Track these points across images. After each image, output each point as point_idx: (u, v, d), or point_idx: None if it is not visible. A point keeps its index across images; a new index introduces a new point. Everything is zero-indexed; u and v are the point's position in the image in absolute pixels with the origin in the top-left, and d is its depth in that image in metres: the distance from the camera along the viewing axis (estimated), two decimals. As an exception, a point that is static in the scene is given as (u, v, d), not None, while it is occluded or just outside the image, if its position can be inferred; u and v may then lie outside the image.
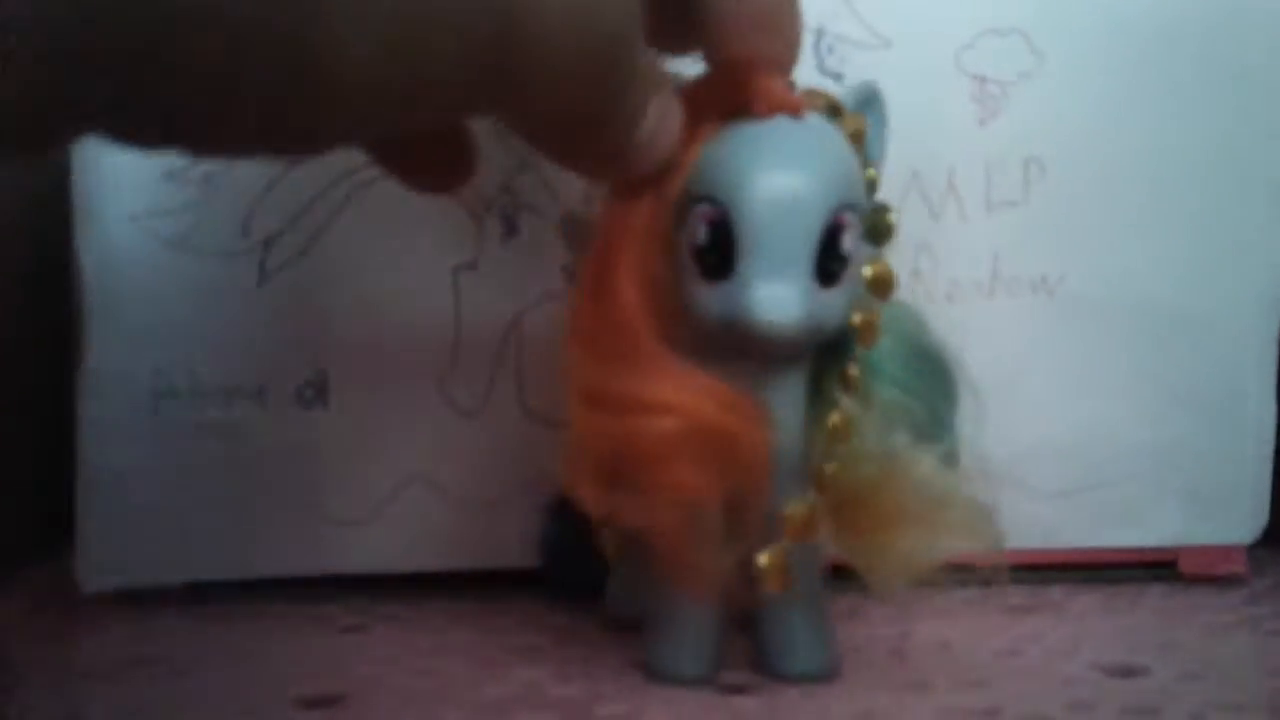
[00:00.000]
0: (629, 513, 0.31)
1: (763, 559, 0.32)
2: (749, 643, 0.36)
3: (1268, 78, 0.44)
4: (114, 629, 0.41)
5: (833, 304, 0.31)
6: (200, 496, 0.43)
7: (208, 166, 0.42)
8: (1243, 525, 0.45)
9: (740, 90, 0.31)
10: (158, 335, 0.42)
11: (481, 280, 0.43)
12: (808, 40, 0.43)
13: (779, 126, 0.31)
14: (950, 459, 0.33)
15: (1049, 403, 0.44)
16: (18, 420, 0.42)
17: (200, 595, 0.43)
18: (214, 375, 0.42)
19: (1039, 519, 0.44)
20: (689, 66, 0.32)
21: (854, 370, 0.33)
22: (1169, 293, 0.44)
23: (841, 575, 0.35)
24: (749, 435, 0.31)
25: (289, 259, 0.42)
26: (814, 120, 0.32)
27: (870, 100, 0.34)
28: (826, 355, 0.33)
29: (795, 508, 0.32)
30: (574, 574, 0.41)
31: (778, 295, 0.30)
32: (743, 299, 0.30)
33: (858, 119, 0.33)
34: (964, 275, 0.44)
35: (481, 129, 0.42)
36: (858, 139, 0.33)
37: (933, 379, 0.34)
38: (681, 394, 0.30)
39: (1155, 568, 0.45)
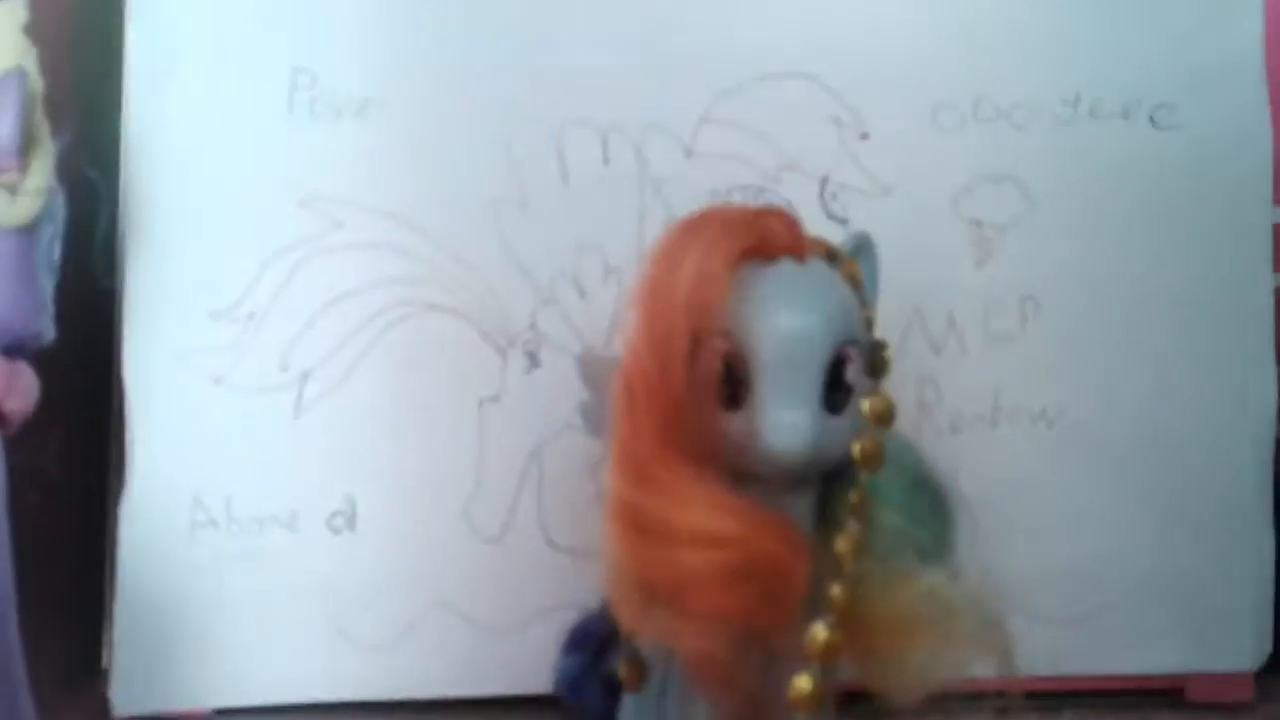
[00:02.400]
0: (665, 632, 0.32)
1: (802, 683, 0.33)
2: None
3: (1251, 212, 0.46)
4: (144, 753, 0.42)
5: (838, 431, 0.33)
6: (230, 624, 0.44)
7: (252, 305, 0.44)
8: (1248, 652, 0.46)
9: (750, 236, 0.34)
10: (197, 466, 0.44)
11: (505, 412, 0.45)
12: (814, 187, 0.46)
13: (784, 269, 0.34)
14: (955, 576, 0.34)
15: (1052, 531, 0.45)
16: (56, 547, 0.44)
17: (229, 720, 0.44)
18: (248, 504, 0.44)
19: (1046, 645, 0.44)
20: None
21: (858, 497, 0.34)
22: (1165, 423, 0.46)
23: (855, 700, 0.36)
24: (787, 562, 0.32)
25: (323, 393, 0.45)
26: (815, 264, 0.35)
27: (864, 247, 0.37)
28: (832, 483, 0.35)
29: (818, 630, 0.34)
30: (588, 702, 0.42)
31: (789, 422, 0.32)
32: (756, 426, 0.32)
33: (853, 264, 0.36)
34: (966, 407, 0.46)
35: (507, 267, 0.45)
36: (855, 282, 0.35)
37: (933, 505, 0.36)
38: (723, 522, 0.32)
39: (1163, 695, 0.46)
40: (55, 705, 0.42)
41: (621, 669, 0.38)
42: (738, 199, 0.45)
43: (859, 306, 0.35)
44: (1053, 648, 0.45)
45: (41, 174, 0.35)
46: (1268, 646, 0.46)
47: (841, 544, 0.34)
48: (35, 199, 0.35)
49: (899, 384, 0.37)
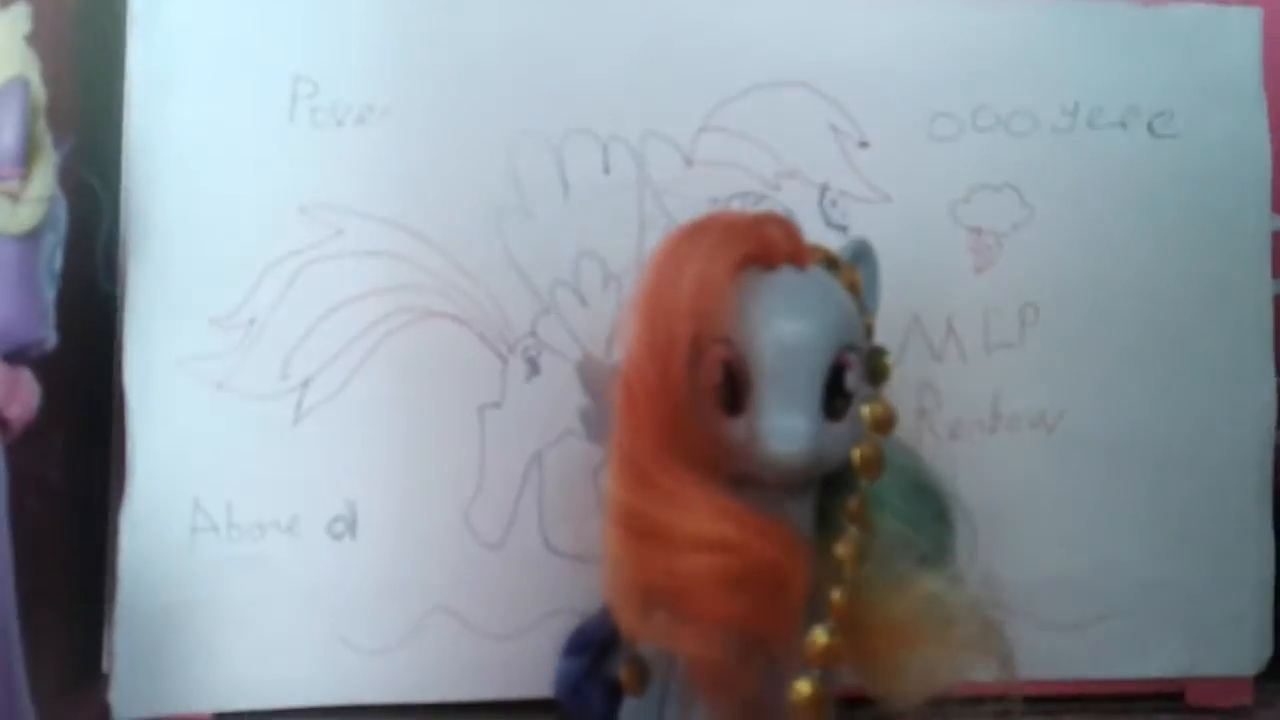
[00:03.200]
0: (666, 637, 0.32)
1: (803, 687, 0.33)
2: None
3: (1250, 221, 0.47)
4: (145, 758, 0.42)
5: (838, 437, 0.34)
6: (231, 629, 0.44)
7: (252, 312, 0.44)
8: (1248, 657, 0.46)
9: (751, 243, 0.34)
10: (197, 472, 0.44)
11: (505, 418, 0.45)
12: (814, 195, 0.46)
13: (785, 276, 0.34)
14: (955, 582, 0.34)
15: (1053, 536, 0.46)
16: (57, 553, 0.44)
17: (229, 725, 0.44)
18: (249, 510, 0.44)
19: (1046, 650, 0.45)
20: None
21: (858, 502, 0.34)
22: (1164, 429, 0.46)
23: (855, 705, 0.36)
24: (787, 567, 0.32)
25: (324, 399, 0.45)
26: (815, 271, 0.35)
27: (864, 254, 0.37)
28: (832, 488, 0.35)
29: (818, 635, 0.34)
30: (587, 706, 0.42)
31: (789, 427, 0.33)
32: (757, 431, 0.33)
33: (853, 271, 0.36)
34: (966, 413, 0.46)
35: (508, 275, 0.45)
36: (854, 288, 0.35)
37: (933, 511, 0.36)
38: (724, 527, 0.32)
39: (1163, 699, 0.46)
40: (56, 709, 0.42)
41: (622, 673, 0.38)
42: (738, 206, 0.45)
43: (859, 313, 0.35)
44: (1052, 652, 0.45)
45: (44, 182, 0.35)
46: (1268, 651, 0.46)
47: (842, 549, 0.34)
48: (37, 207, 0.35)
49: (899, 390, 0.37)
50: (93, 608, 0.45)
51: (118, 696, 0.43)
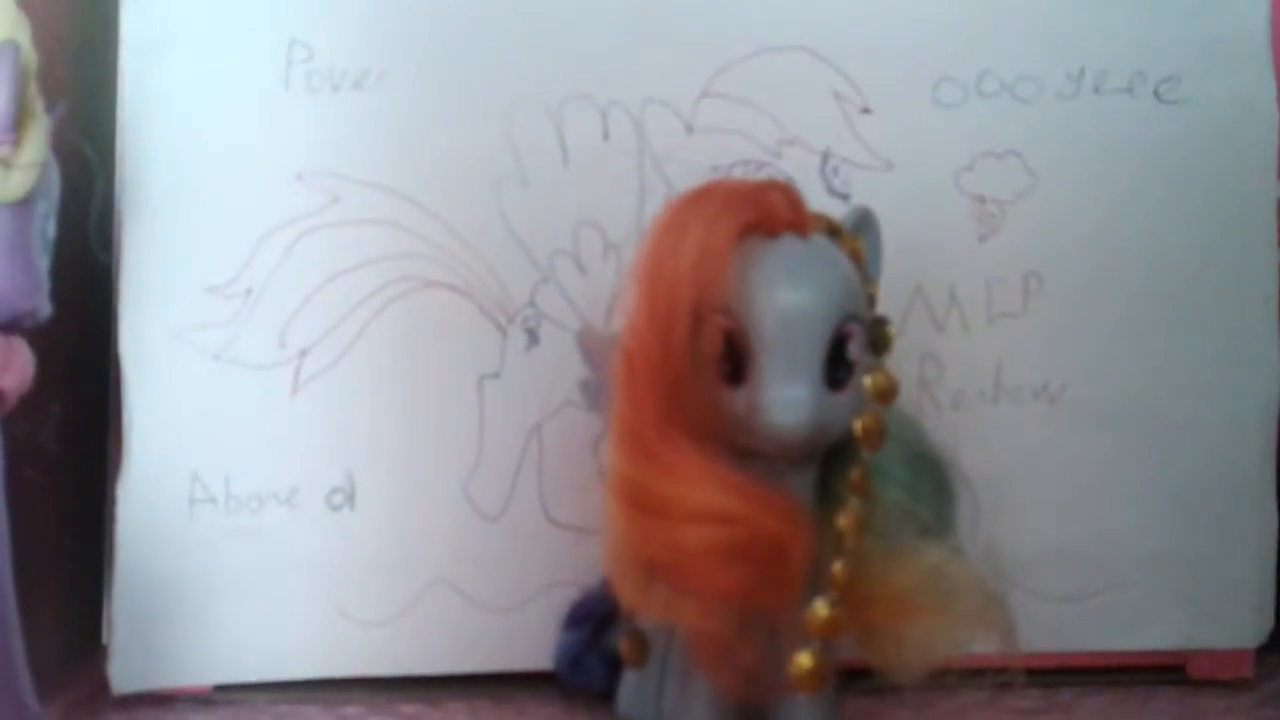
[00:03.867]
0: (666, 609, 0.32)
1: (803, 660, 0.33)
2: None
3: (1256, 188, 0.46)
4: (144, 730, 0.42)
5: (840, 407, 0.33)
6: (230, 601, 0.44)
7: (249, 281, 0.44)
8: (1249, 630, 0.46)
9: (752, 211, 0.34)
10: (195, 443, 0.44)
11: (505, 389, 0.45)
12: (815, 162, 0.45)
13: (787, 244, 0.34)
14: (957, 553, 0.34)
15: (1054, 508, 0.45)
16: (54, 525, 0.44)
17: (228, 697, 0.44)
18: (247, 481, 0.44)
19: (1047, 622, 0.44)
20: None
21: (860, 473, 0.34)
22: (1168, 400, 0.46)
23: (855, 676, 0.36)
24: (788, 539, 0.32)
25: (322, 369, 0.44)
26: (817, 239, 0.34)
27: (866, 222, 0.37)
28: (833, 459, 0.35)
29: (819, 607, 0.34)
30: (588, 678, 0.42)
31: (791, 398, 0.32)
32: (758, 402, 0.32)
33: (855, 239, 0.35)
34: (968, 384, 0.46)
35: (507, 243, 0.44)
36: (856, 257, 0.35)
37: (935, 482, 0.36)
38: (725, 499, 0.32)
39: (1163, 671, 0.46)
40: (54, 682, 0.42)
41: (622, 645, 0.38)
42: (739, 174, 0.45)
43: (861, 282, 0.35)
44: (1053, 624, 0.45)
45: (35, 148, 0.35)
46: (1269, 624, 0.46)
47: (843, 520, 0.34)
48: (29, 174, 0.35)
49: (901, 360, 0.37)
50: (91, 580, 0.45)
51: (116, 668, 0.43)
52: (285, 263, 0.44)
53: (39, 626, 0.37)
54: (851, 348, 0.33)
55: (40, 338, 0.37)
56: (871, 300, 0.36)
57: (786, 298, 0.33)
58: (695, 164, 0.44)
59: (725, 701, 0.36)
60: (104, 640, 0.44)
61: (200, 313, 0.44)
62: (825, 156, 0.46)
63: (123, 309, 0.44)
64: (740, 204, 0.34)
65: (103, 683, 0.44)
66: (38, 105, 0.36)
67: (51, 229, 0.37)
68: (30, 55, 0.36)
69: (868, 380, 0.34)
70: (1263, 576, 0.46)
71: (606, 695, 0.41)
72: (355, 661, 0.44)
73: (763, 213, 0.34)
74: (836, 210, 0.38)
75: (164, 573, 0.43)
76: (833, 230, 0.35)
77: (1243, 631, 0.46)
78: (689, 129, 0.45)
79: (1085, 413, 0.46)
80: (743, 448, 0.33)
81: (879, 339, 0.35)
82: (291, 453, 0.44)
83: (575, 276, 0.45)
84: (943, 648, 0.34)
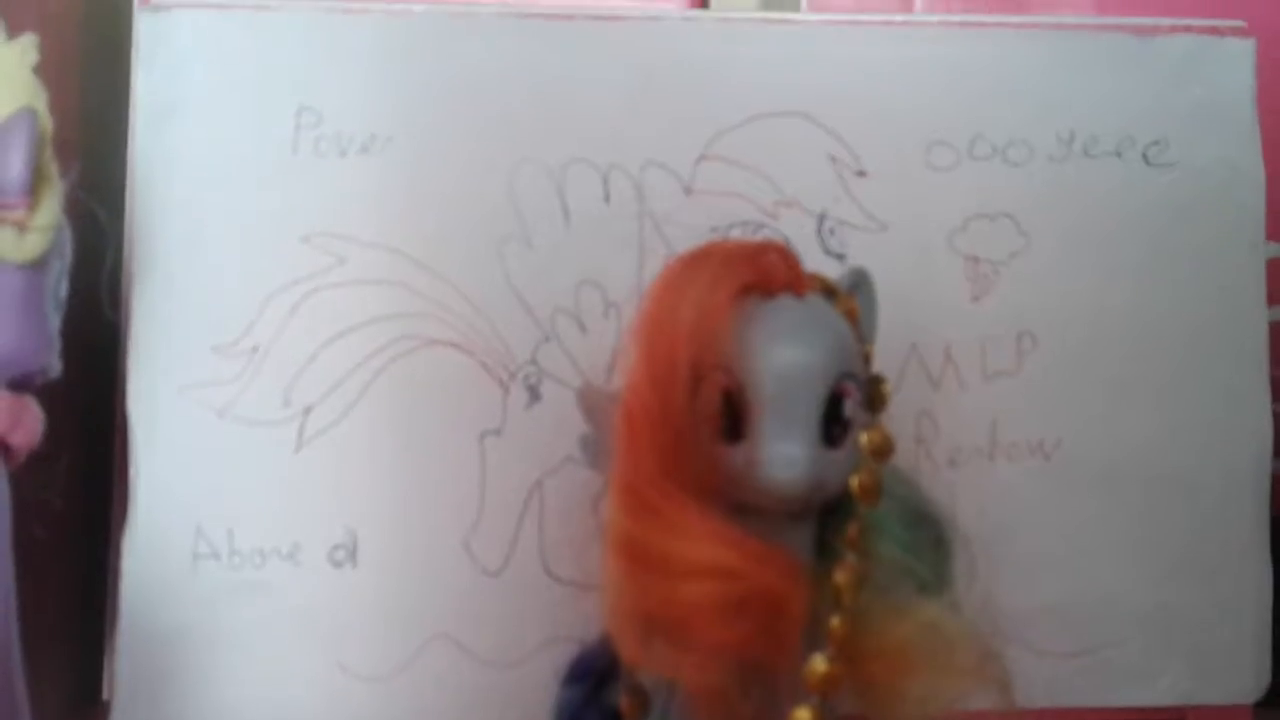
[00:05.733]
0: (665, 664, 0.33)
1: (802, 715, 0.33)
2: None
3: (1244, 249, 0.47)
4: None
5: (837, 464, 0.34)
6: (232, 655, 0.44)
7: (255, 339, 0.45)
8: (1247, 685, 0.46)
9: (750, 271, 0.34)
10: (199, 499, 0.44)
11: (506, 446, 0.45)
12: (812, 223, 0.46)
13: (784, 304, 0.34)
14: (954, 608, 0.34)
15: (1051, 564, 0.46)
16: (59, 580, 0.44)
17: (228, 753, 0.44)
18: (250, 537, 0.44)
19: (1044, 678, 0.45)
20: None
21: (857, 529, 0.34)
22: (1162, 457, 0.46)
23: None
24: (787, 595, 0.32)
25: (325, 426, 0.45)
26: (813, 299, 0.35)
27: (862, 282, 0.37)
28: (831, 516, 0.35)
29: (817, 661, 0.34)
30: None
31: (788, 454, 0.33)
32: (756, 458, 0.33)
33: (851, 299, 0.36)
34: (964, 441, 0.46)
35: (510, 302, 0.45)
36: (852, 317, 0.36)
37: (932, 538, 0.36)
38: (724, 554, 0.32)
39: (1164, 728, 0.46)
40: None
41: (622, 701, 0.38)
42: (736, 235, 0.46)
43: (857, 341, 0.35)
44: (1051, 680, 0.45)
45: (50, 212, 0.36)
46: (1267, 679, 0.46)
47: (840, 576, 0.34)
48: (43, 236, 0.36)
49: (897, 418, 0.37)
50: (94, 634, 0.46)
51: (119, 723, 0.43)
52: (290, 322, 0.45)
53: (43, 680, 0.37)
54: (848, 405, 0.34)
55: (49, 394, 0.37)
56: (867, 359, 0.36)
57: (784, 356, 0.34)
58: (694, 225, 0.45)
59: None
60: (106, 695, 0.44)
61: (206, 371, 0.44)
62: (821, 218, 0.46)
63: (130, 366, 0.45)
64: (738, 265, 0.34)
65: (104, 738, 0.43)
66: (52, 169, 0.36)
67: (64, 289, 0.38)
68: (46, 120, 0.36)
69: (864, 437, 0.35)
70: (1260, 632, 0.46)
71: (609, 753, 0.41)
72: (355, 716, 0.44)
73: (760, 273, 0.34)
74: (832, 270, 0.39)
75: (167, 627, 0.44)
76: (829, 290, 0.36)
77: (1241, 687, 0.46)
78: (688, 191, 0.46)
79: (1081, 470, 0.46)
80: (741, 504, 0.34)
81: (875, 397, 0.36)
82: (294, 509, 0.45)
83: (576, 335, 0.46)
84: (940, 703, 0.34)
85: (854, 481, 0.34)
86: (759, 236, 0.45)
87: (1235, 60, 0.47)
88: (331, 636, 0.44)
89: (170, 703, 0.44)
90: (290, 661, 0.44)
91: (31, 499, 0.40)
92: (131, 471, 0.44)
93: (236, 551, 0.44)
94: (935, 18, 0.49)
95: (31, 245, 0.35)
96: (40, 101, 0.36)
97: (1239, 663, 0.46)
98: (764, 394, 0.33)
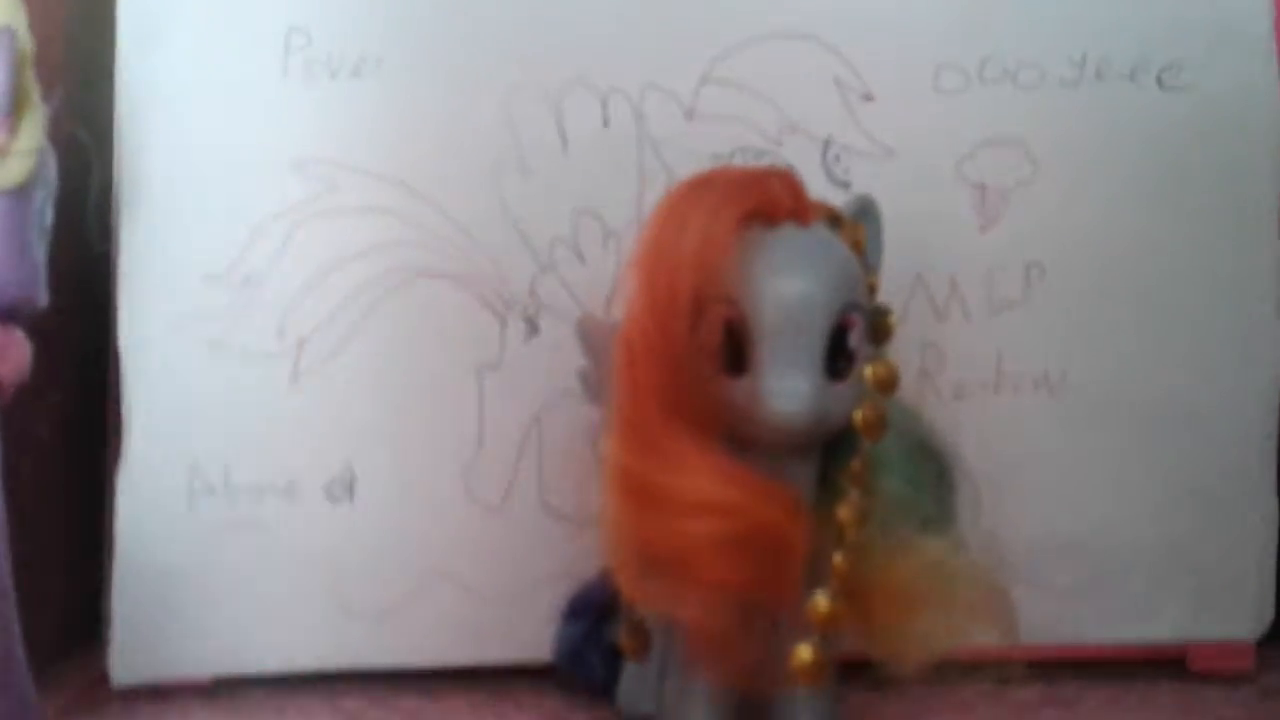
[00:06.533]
0: (666, 601, 0.32)
1: (803, 653, 0.33)
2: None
3: (1259, 176, 0.46)
4: (143, 722, 0.42)
5: (841, 397, 0.33)
6: (230, 592, 0.44)
7: (247, 269, 0.44)
8: (1249, 622, 0.46)
9: (754, 200, 0.33)
10: (194, 434, 0.44)
11: (504, 379, 0.45)
12: (817, 150, 0.45)
13: (787, 234, 0.34)
14: (958, 545, 0.34)
15: (1054, 498, 0.45)
16: (53, 516, 0.44)
17: (227, 689, 0.44)
18: (246, 472, 0.44)
19: (1047, 615, 0.44)
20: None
21: (861, 464, 0.34)
22: (1169, 390, 0.46)
23: (854, 670, 0.36)
24: (788, 531, 0.32)
25: (321, 359, 0.44)
26: (818, 228, 0.34)
27: (867, 211, 0.36)
28: (834, 450, 0.35)
29: (819, 600, 0.34)
30: (588, 671, 0.42)
31: (791, 388, 0.32)
32: (758, 392, 0.32)
33: (856, 228, 0.35)
34: (969, 374, 0.46)
35: (506, 232, 0.44)
36: (857, 247, 0.35)
37: (936, 473, 0.36)
38: (725, 491, 0.31)
39: (1164, 664, 0.46)
40: (54, 674, 0.42)
41: (622, 638, 0.38)
42: (739, 161, 0.45)
43: (862, 272, 0.35)
44: (1054, 617, 0.45)
45: (32, 135, 0.35)
46: (1269, 616, 0.46)
47: (843, 512, 0.34)
48: (26, 160, 0.35)
49: (902, 350, 0.37)
50: (90, 571, 0.45)
51: (116, 660, 0.43)
52: (283, 251, 0.44)
53: (38, 617, 0.37)
54: (852, 337, 0.33)
55: (38, 328, 0.36)
56: (872, 290, 0.35)
57: (787, 287, 0.33)
58: (696, 151, 0.44)
59: (725, 694, 0.36)
60: (103, 632, 0.44)
61: (199, 302, 0.44)
62: (826, 144, 0.45)
63: (121, 298, 0.44)
64: (741, 192, 0.34)
65: (102, 674, 0.43)
66: (34, 92, 0.35)
67: (49, 217, 0.37)
68: (27, 41, 0.35)
69: (869, 370, 0.34)
70: (1263, 569, 0.46)
71: (606, 688, 0.41)
72: (355, 654, 0.44)
73: (764, 201, 0.34)
74: (838, 199, 0.38)
75: (163, 564, 0.43)
76: (834, 219, 0.35)
77: (1243, 624, 0.46)
78: (689, 115, 0.45)
79: (1086, 403, 0.46)
80: (743, 438, 0.33)
81: (880, 329, 0.35)
82: (290, 444, 0.44)
83: (575, 265, 0.45)
84: (944, 640, 0.33)
85: (858, 415, 0.34)
86: (762, 163, 0.44)
87: (1252, -19, 0.46)
88: (329, 573, 0.44)
89: (168, 639, 0.43)
90: (288, 598, 0.44)
91: (23, 434, 0.39)
92: (125, 406, 0.44)
93: (233, 488, 0.44)
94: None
95: (13, 170, 0.34)
96: (20, 21, 0.35)
97: (1241, 599, 0.46)
98: (767, 326, 0.33)
